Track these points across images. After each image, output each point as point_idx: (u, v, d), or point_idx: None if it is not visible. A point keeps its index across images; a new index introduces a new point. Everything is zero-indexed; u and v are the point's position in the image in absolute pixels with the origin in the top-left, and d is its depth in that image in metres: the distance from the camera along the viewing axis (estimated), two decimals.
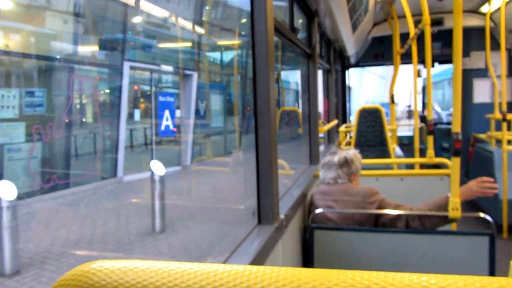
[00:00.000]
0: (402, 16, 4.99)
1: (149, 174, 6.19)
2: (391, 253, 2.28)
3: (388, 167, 4.37)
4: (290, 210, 2.14)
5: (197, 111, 11.80)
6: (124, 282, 0.46)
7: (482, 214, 2.26)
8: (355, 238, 2.31)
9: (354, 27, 4.51)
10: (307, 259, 2.40)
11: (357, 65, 8.39)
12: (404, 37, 5.26)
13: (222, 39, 14.27)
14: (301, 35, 3.40)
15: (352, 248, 2.31)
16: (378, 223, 2.37)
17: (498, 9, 5.16)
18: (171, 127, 10.42)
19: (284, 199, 2.36)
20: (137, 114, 11.07)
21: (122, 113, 9.01)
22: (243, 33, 12.65)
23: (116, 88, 9.13)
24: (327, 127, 4.94)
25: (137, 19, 10.09)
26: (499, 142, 5.09)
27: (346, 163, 2.58)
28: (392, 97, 5.70)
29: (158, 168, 6.06)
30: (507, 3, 4.91)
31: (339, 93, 7.99)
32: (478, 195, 2.21)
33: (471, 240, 2.20)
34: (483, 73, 6.48)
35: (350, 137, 6.01)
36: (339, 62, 7.75)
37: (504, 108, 4.79)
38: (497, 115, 5.02)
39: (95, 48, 8.82)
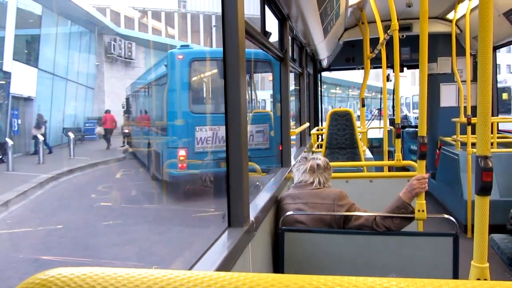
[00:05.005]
0: (372, 22, 5.08)
1: None
2: (360, 255, 2.31)
3: (358, 169, 4.44)
4: (260, 213, 2.15)
5: None
6: None
7: (446, 215, 2.33)
8: (325, 240, 2.34)
9: (326, 31, 4.56)
10: (278, 262, 2.41)
11: (329, 68, 8.48)
12: (374, 42, 5.36)
13: None
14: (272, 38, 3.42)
15: (322, 250, 2.33)
16: (345, 229, 2.39)
17: (463, 16, 5.33)
18: None
19: (255, 201, 2.37)
20: None
21: None
22: None
23: None
24: (299, 129, 4.98)
25: None
26: (464, 145, 5.25)
27: (327, 168, 2.62)
28: (362, 100, 5.79)
29: None
30: (472, 10, 5.08)
31: (311, 96, 8.06)
32: (420, 191, 2.24)
33: (436, 240, 2.27)
34: (449, 78, 6.67)
35: (322, 140, 6.07)
36: (311, 65, 7.83)
37: (469, 112, 4.95)
38: (462, 119, 5.17)
39: None
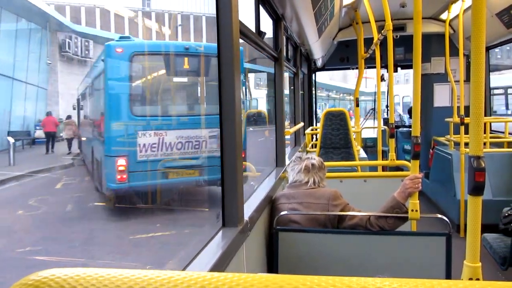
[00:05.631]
0: (367, 22, 5.10)
1: None
2: (354, 254, 2.32)
3: (352, 169, 4.45)
4: (255, 213, 2.15)
5: None
6: None
7: (439, 215, 2.35)
8: (319, 240, 2.34)
9: (320, 31, 4.57)
10: (272, 261, 2.41)
11: (323, 68, 8.50)
12: (369, 42, 5.38)
13: None
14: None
15: (316, 249, 2.34)
16: (339, 228, 2.40)
17: (457, 17, 5.36)
18: None
19: (249, 201, 2.37)
20: None
21: None
22: None
23: None
24: (293, 129, 4.98)
25: None
26: (457, 145, 5.28)
27: (322, 168, 2.63)
28: (356, 100, 5.81)
29: None
30: (465, 11, 5.11)
31: (305, 96, 8.07)
32: (413, 191, 2.25)
33: (429, 240, 2.28)
34: (443, 78, 6.70)
35: (316, 140, 6.09)
36: (306, 65, 7.83)
37: (462, 112, 4.98)
38: (456, 119, 5.20)
39: None
